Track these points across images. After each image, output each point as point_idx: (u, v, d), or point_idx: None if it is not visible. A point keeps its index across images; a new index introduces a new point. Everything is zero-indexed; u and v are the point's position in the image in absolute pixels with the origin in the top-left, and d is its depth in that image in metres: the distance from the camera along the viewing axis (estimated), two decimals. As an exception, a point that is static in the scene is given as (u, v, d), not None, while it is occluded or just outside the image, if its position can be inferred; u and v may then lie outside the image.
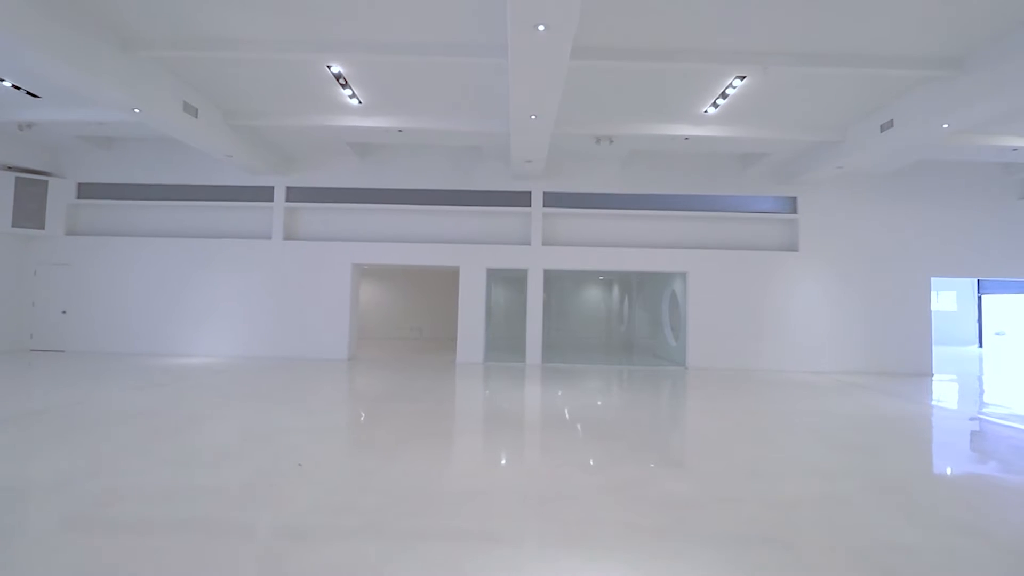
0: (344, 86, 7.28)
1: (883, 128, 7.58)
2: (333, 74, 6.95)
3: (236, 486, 3.46)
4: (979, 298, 18.86)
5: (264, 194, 10.65)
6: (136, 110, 7.05)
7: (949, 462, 4.71)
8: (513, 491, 3.49)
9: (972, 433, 5.71)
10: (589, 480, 3.73)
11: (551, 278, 11.39)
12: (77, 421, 5.03)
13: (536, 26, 4.69)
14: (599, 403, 6.92)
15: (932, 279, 10.46)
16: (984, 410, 6.98)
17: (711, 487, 3.65)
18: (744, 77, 6.79)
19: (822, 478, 3.92)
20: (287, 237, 10.67)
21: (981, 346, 18.39)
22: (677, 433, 5.65)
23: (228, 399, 6.42)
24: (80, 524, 2.89)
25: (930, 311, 10.39)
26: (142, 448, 4.24)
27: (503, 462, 4.24)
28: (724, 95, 7.27)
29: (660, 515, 3.14)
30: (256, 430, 4.95)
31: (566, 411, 6.20)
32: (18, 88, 7.63)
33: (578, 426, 5.42)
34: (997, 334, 18.22)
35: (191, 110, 7.62)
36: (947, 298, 19.12)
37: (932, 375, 10.08)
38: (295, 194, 10.67)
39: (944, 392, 8.47)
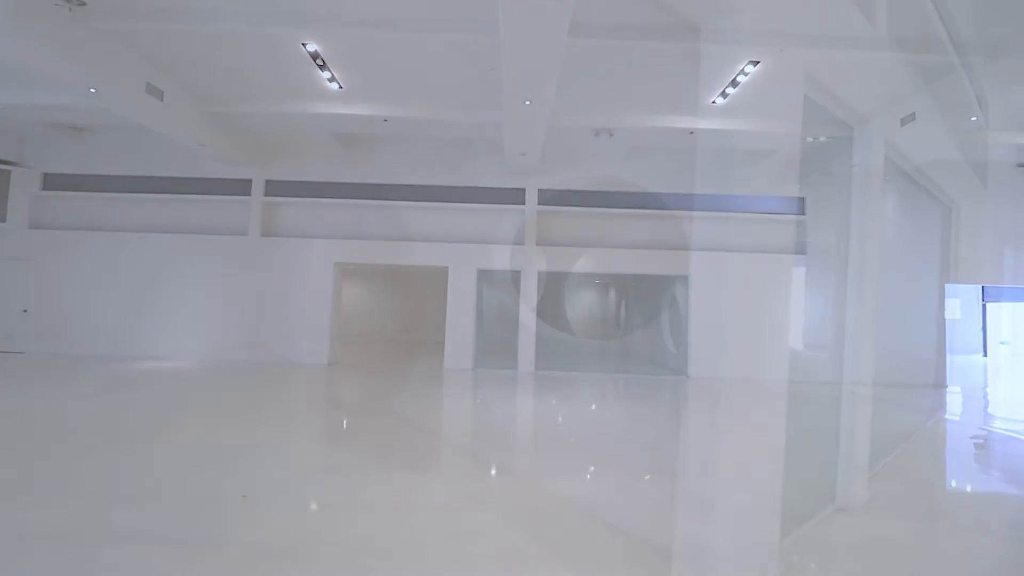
0: (323, 68, 6.67)
1: (904, 122, 7.05)
2: (309, 53, 6.34)
3: (160, 526, 2.82)
4: (983, 306, 18.40)
5: (241, 187, 10.00)
6: (92, 90, 6.41)
7: (1014, 492, 4.12)
8: (490, 540, 2.88)
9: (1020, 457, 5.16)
10: (588, 526, 3.09)
11: (546, 280, 10.80)
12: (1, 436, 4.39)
13: (531, -11, 4.11)
14: (598, 419, 6.31)
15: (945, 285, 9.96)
16: (1013, 427, 6.44)
17: (743, 533, 3.04)
18: (757, 62, 6.25)
19: (871, 518, 3.33)
20: (265, 234, 10.01)
21: (986, 355, 17.92)
22: (688, 458, 5.04)
23: (186, 410, 5.77)
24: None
25: (944, 319, 9.89)
26: (63, 470, 3.61)
27: (483, 498, 3.61)
28: (735, 83, 6.72)
29: None
30: (205, 449, 4.32)
31: (560, 429, 5.60)
32: (-34, 66, 6.97)
33: (574, 448, 4.81)
34: (1002, 343, 17.76)
35: (155, 92, 6.98)
36: (951, 306, 18.64)
37: (946, 387, 9.56)
38: (274, 188, 10.02)
39: (962, 405, 7.93)
